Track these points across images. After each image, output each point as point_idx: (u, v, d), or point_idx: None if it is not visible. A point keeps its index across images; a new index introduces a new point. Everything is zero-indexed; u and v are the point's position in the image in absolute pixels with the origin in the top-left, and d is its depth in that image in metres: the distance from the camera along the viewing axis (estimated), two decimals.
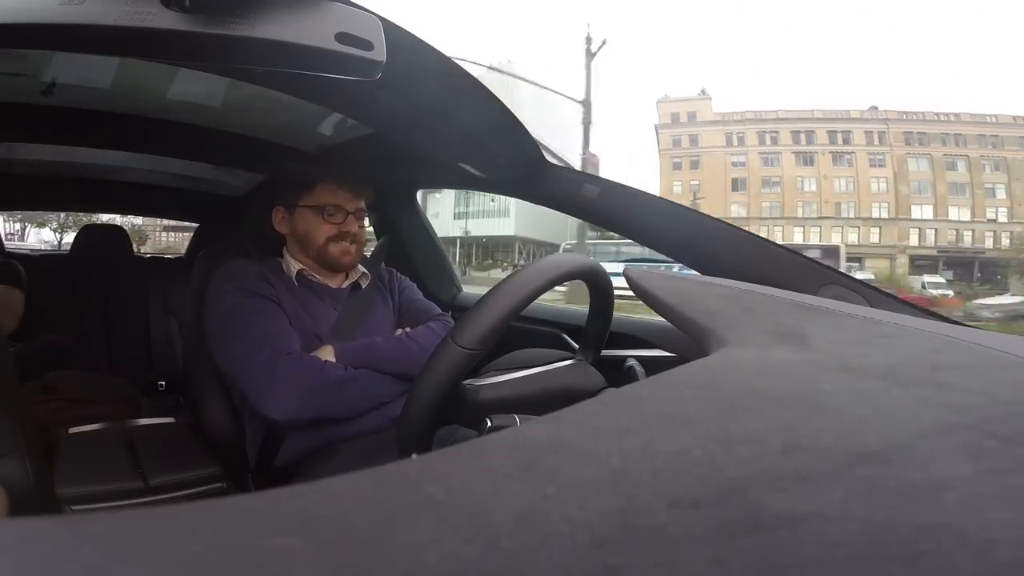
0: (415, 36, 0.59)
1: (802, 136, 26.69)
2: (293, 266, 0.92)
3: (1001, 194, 24.76)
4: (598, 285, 0.62)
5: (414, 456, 0.48)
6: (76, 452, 0.92)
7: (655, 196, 0.94)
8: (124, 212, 2.73)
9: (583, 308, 0.71)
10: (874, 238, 23.98)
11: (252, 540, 0.12)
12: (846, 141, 26.15)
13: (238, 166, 1.59)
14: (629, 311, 1.08)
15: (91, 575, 0.11)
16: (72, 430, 1.00)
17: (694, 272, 0.85)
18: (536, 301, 0.54)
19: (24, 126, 1.19)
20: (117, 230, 1.88)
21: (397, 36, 0.54)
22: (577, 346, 0.69)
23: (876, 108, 26.69)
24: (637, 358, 0.66)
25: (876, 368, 0.24)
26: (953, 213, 24.17)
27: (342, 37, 0.49)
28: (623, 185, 0.92)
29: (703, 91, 29.97)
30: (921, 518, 0.13)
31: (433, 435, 0.53)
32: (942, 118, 25.86)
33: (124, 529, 0.13)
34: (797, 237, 22.99)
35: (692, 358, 0.27)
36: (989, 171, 25.24)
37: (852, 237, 23.45)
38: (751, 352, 0.27)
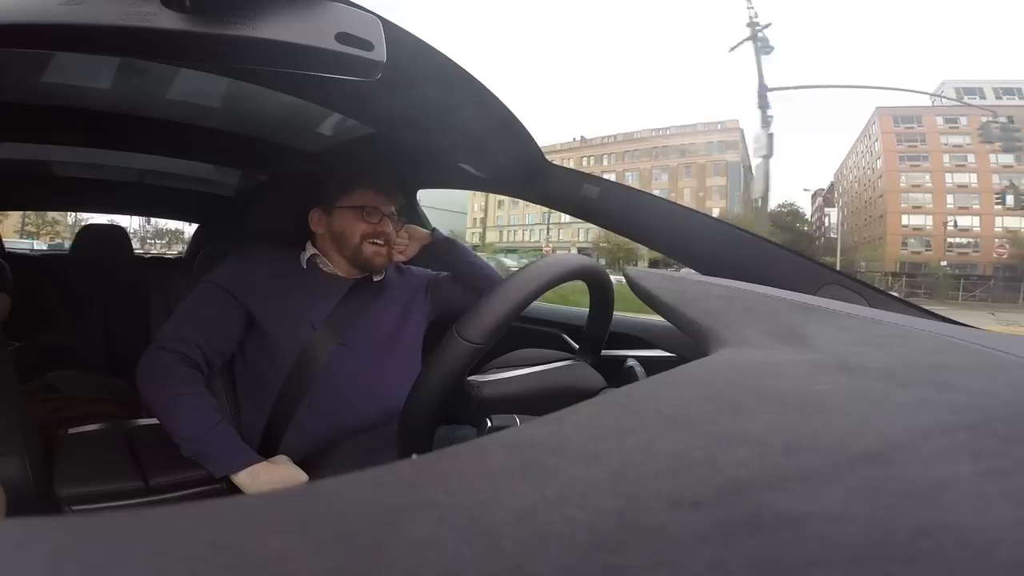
0: (415, 36, 0.59)
1: None
2: (308, 251, 0.96)
3: (688, 197, 29.53)
4: (599, 285, 0.62)
5: (414, 456, 0.48)
6: (76, 452, 0.91)
7: (655, 196, 0.94)
8: (124, 212, 2.73)
9: (583, 308, 0.71)
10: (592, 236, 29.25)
11: (252, 540, 0.12)
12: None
13: (238, 166, 1.59)
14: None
15: (91, 575, 0.11)
16: (72, 430, 1.00)
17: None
18: (536, 301, 0.54)
19: (24, 126, 1.19)
20: (117, 230, 1.88)
21: (397, 36, 0.54)
22: (577, 346, 0.69)
23: (617, 135, 32.77)
24: (637, 358, 0.66)
25: (876, 368, 0.24)
26: None
27: (342, 37, 0.49)
28: (623, 185, 0.92)
29: None
30: (922, 518, 0.13)
31: (435, 431, 0.53)
32: (654, 133, 31.81)
33: (124, 529, 0.13)
34: (554, 235, 30.65)
35: (692, 358, 0.27)
36: (685, 177, 30.47)
37: (582, 236, 29.34)
38: (751, 352, 0.27)
